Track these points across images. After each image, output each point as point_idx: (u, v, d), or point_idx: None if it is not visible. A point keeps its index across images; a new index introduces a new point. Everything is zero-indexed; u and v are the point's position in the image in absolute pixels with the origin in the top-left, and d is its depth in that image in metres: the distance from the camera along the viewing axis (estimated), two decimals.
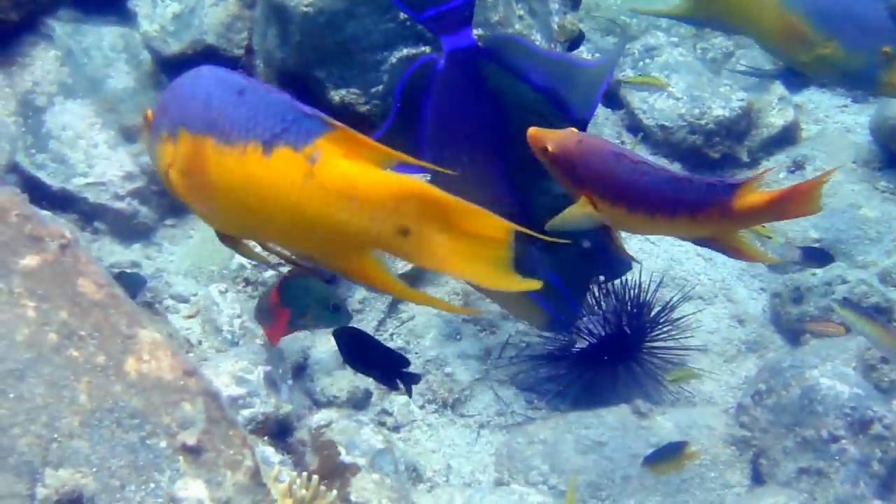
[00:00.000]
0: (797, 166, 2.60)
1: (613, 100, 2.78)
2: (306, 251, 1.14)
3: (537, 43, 2.37)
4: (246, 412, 1.70)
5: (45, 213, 1.98)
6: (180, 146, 1.13)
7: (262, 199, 1.06)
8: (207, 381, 1.33)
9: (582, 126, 1.81)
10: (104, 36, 2.83)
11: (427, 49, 2.28)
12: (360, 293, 2.17)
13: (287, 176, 1.04)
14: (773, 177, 2.62)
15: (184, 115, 1.13)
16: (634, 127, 2.75)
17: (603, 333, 1.96)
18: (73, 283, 1.32)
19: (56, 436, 1.21)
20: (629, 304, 2.04)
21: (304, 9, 2.27)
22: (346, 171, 1.03)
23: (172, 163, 1.15)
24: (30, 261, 1.32)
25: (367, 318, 2.15)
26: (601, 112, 2.72)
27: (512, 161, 1.83)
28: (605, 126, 2.73)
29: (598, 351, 1.95)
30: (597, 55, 2.68)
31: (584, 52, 2.76)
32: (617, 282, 2.10)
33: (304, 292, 1.69)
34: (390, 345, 2.12)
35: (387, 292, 1.63)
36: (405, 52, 2.29)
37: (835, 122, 2.86)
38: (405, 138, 1.89)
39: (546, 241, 1.77)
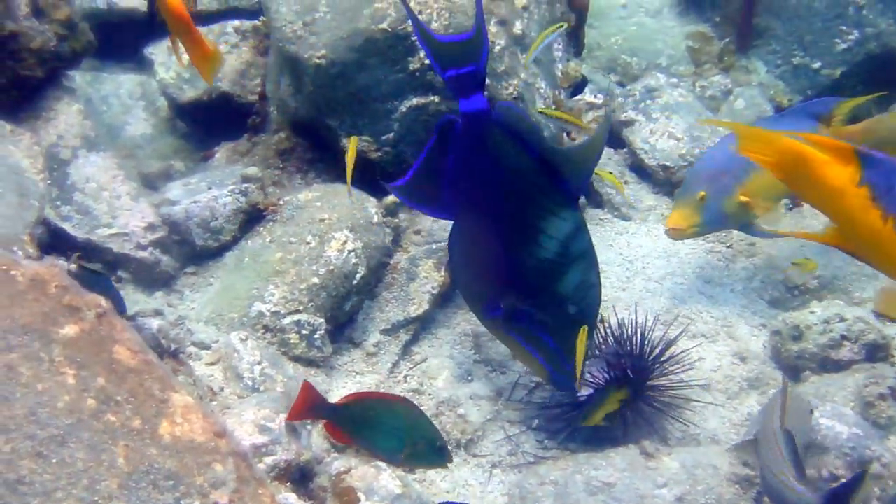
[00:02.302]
0: (794, 203, 2.68)
1: (616, 139, 2.87)
2: None
3: (542, 90, 2.45)
4: (269, 459, 1.77)
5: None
6: None
7: None
8: (236, 442, 1.41)
9: (574, 201, 1.92)
10: (122, 84, 2.93)
11: (435, 98, 2.37)
12: (375, 337, 2.25)
13: None
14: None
15: None
16: (636, 166, 2.83)
17: (607, 377, 2.03)
18: (110, 351, 1.40)
19: (96, 498, 1.28)
20: (631, 345, 2.12)
21: (317, 60, 2.36)
22: None
23: None
24: (69, 330, 1.40)
25: (382, 361, 2.23)
26: (604, 152, 2.79)
27: (506, 223, 1.94)
28: (608, 165, 2.81)
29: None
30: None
31: (587, 94, 2.85)
32: (616, 322, 2.19)
33: (401, 425, 1.65)
34: (403, 386, 2.20)
35: None
36: (414, 101, 2.38)
37: None
38: (430, 184, 2.02)
39: (539, 303, 1.91)
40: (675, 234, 2.24)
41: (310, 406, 1.73)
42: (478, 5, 1.88)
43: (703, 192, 2.17)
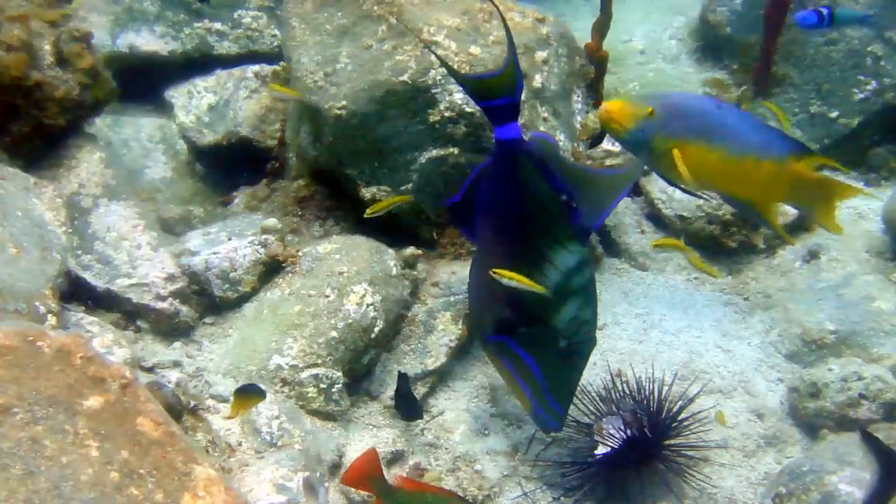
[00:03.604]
0: (812, 255, 2.67)
1: (633, 189, 2.87)
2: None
3: (560, 143, 2.46)
4: None
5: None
6: None
7: None
8: None
9: (585, 234, 1.95)
10: (142, 127, 2.96)
11: (455, 150, 2.39)
12: (392, 389, 2.25)
13: None
14: (790, 266, 2.70)
15: None
16: (654, 216, 2.83)
17: (624, 437, 2.03)
18: (133, 422, 1.41)
19: None
20: (647, 402, 2.12)
21: (338, 111, 2.38)
22: None
23: None
24: (93, 402, 1.41)
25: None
26: (621, 202, 2.80)
27: (516, 247, 2.00)
28: (626, 216, 2.82)
29: (619, 455, 2.03)
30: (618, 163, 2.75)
31: (605, 143, 2.85)
32: (633, 377, 2.20)
33: None
34: (420, 440, 2.21)
35: None
36: (434, 153, 2.39)
37: (848, 207, 2.93)
38: (472, 207, 2.12)
39: (533, 332, 1.97)
40: (603, 116, 2.04)
41: (366, 476, 1.73)
42: (509, 41, 1.94)
43: (652, 110, 2.02)
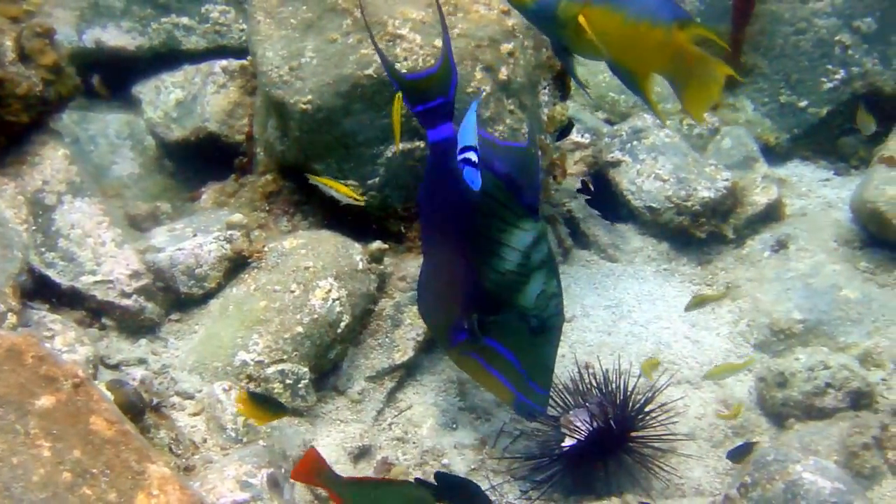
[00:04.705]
0: (780, 245, 2.68)
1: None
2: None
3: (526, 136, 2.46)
4: None
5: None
6: None
7: None
8: None
9: (534, 211, 1.96)
10: (110, 123, 2.93)
11: (421, 144, 2.37)
12: (359, 384, 2.24)
13: None
14: (758, 256, 2.70)
15: None
16: (623, 207, 2.83)
17: (589, 429, 2.03)
18: (86, 422, 1.40)
19: None
20: (614, 394, 2.12)
21: (303, 106, 2.37)
22: None
23: None
24: (45, 401, 1.40)
25: (366, 409, 2.22)
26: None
27: (469, 240, 2.01)
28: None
29: (585, 447, 2.03)
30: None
31: (573, 135, 2.85)
32: (601, 369, 2.20)
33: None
34: (388, 434, 2.20)
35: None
36: (400, 146, 2.37)
37: (817, 196, 2.94)
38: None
39: (503, 318, 1.97)
40: None
41: (313, 471, 1.72)
42: (445, 37, 1.95)
43: None
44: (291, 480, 1.93)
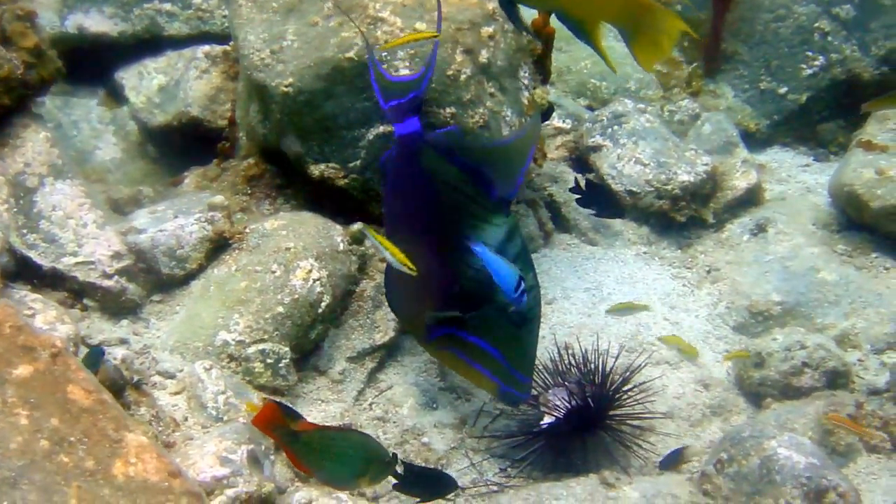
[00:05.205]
0: (759, 229, 2.71)
1: (583, 165, 2.89)
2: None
3: (507, 118, 2.47)
4: (230, 492, 1.78)
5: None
6: None
7: None
8: (191, 481, 1.42)
9: (506, 205, 1.97)
10: (93, 108, 2.93)
11: None
12: (340, 364, 2.26)
13: None
14: (737, 239, 2.73)
15: None
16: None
17: (568, 407, 2.05)
18: (64, 391, 1.41)
19: None
20: (593, 374, 2.14)
21: (284, 89, 2.38)
22: None
23: None
24: (23, 371, 1.40)
25: (347, 389, 2.24)
26: (571, 178, 2.82)
27: (441, 235, 2.00)
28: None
29: (563, 425, 2.04)
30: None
31: (555, 119, 2.87)
32: (580, 350, 2.22)
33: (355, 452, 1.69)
34: (368, 414, 2.22)
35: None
36: (381, 129, 2.39)
37: (797, 182, 2.97)
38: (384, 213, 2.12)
39: (481, 313, 1.97)
40: None
41: (269, 423, 1.72)
42: (435, 43, 1.98)
43: None
44: (272, 457, 1.95)
